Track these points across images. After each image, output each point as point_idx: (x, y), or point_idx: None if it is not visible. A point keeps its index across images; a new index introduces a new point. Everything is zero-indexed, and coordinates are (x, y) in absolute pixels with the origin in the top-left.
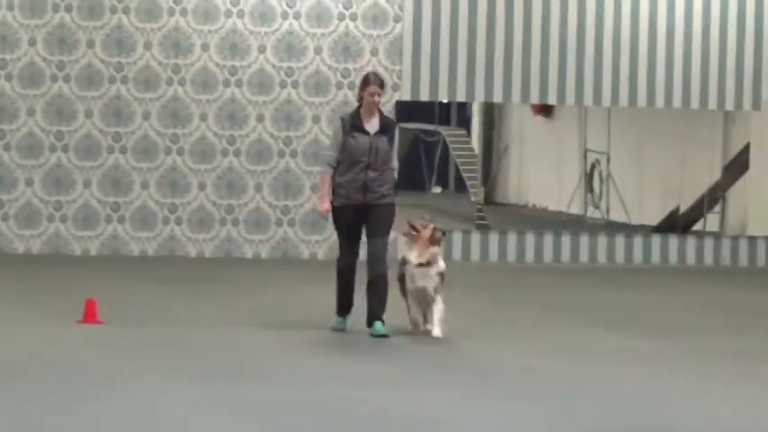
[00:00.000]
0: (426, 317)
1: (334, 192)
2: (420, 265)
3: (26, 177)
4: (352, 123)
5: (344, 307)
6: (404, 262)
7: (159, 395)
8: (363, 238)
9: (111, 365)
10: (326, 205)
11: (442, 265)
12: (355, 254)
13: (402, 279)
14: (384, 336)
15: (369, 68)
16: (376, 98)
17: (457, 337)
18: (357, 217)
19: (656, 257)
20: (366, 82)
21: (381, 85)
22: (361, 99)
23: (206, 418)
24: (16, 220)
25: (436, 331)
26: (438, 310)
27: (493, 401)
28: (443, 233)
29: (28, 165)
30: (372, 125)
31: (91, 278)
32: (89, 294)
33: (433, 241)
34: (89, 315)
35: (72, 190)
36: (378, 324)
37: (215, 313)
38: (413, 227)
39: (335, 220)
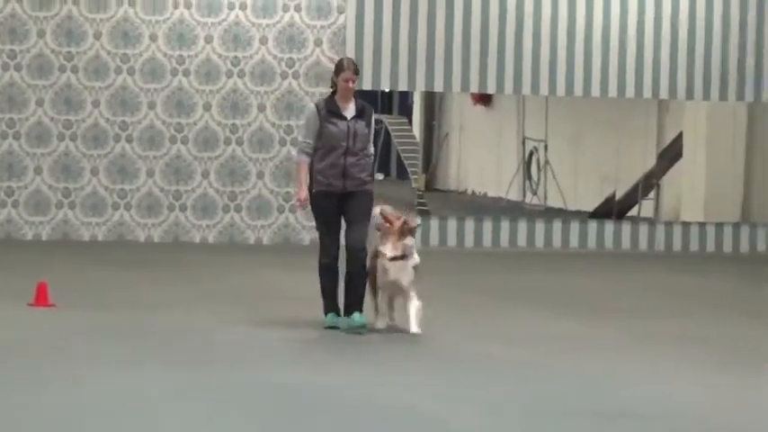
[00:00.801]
0: (395, 308)
1: (312, 179)
2: (394, 258)
3: (35, 165)
4: (329, 109)
5: (332, 306)
6: (376, 255)
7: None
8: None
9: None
10: (305, 194)
11: (416, 258)
12: (337, 248)
13: (374, 272)
14: (362, 326)
15: (313, 58)
16: (351, 84)
17: (405, 322)
18: (337, 204)
19: (592, 243)
20: (340, 68)
21: (355, 71)
22: (335, 85)
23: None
24: (26, 206)
25: (414, 328)
26: (413, 305)
27: (449, 387)
28: (416, 227)
29: (37, 153)
30: (349, 110)
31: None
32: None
33: (405, 233)
34: (41, 298)
35: (80, 177)
36: (356, 315)
37: (180, 297)
38: (386, 219)
39: (315, 209)
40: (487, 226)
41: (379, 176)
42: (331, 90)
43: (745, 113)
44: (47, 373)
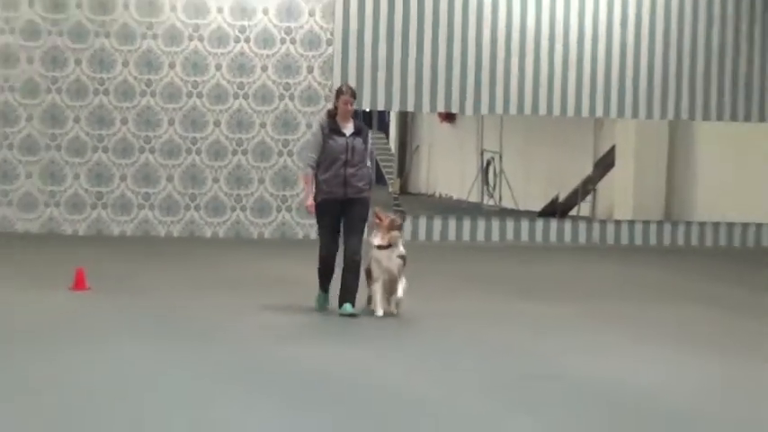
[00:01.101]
0: (390, 299)
1: (317, 188)
2: (380, 247)
3: (74, 173)
4: (331, 127)
5: (325, 284)
6: (372, 247)
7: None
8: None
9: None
10: (311, 201)
11: (401, 249)
12: (336, 245)
13: (369, 264)
14: (352, 315)
15: (306, 83)
16: (349, 106)
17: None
18: (339, 210)
19: (539, 238)
20: (340, 92)
21: (353, 94)
22: (335, 108)
23: (177, 375)
24: (66, 207)
25: (399, 292)
26: (402, 284)
27: (416, 357)
28: (403, 220)
29: (75, 162)
30: (348, 128)
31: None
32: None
33: (392, 227)
34: (79, 283)
35: (111, 182)
36: (347, 305)
37: (193, 282)
38: (378, 216)
39: (319, 214)
40: (452, 223)
41: None
42: (332, 111)
43: (667, 129)
44: (83, 345)
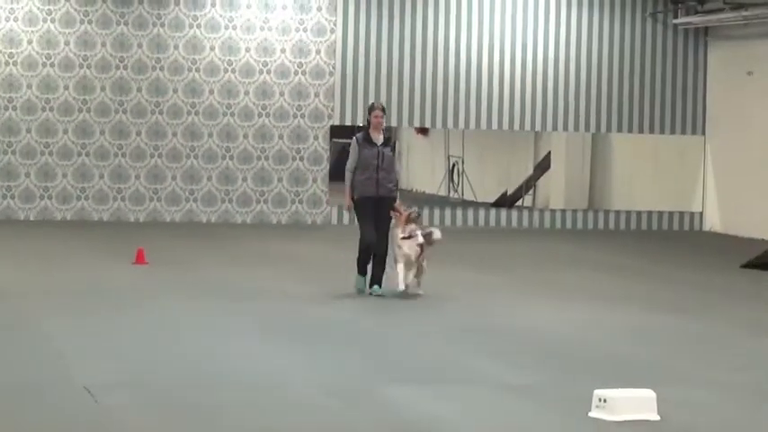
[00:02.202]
0: (413, 278)
1: (355, 189)
2: (403, 238)
3: (135, 174)
4: (364, 138)
5: (364, 269)
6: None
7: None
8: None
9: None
10: (350, 201)
11: (420, 238)
12: (374, 235)
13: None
14: (381, 296)
15: (313, 105)
16: (379, 119)
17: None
18: (372, 205)
19: (493, 223)
20: (372, 108)
21: (383, 110)
22: (368, 122)
23: (219, 330)
24: (130, 200)
25: (408, 278)
26: (423, 266)
27: (392, 315)
28: (418, 215)
29: (137, 165)
30: (378, 139)
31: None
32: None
33: (409, 221)
34: (140, 259)
35: (165, 181)
36: (376, 287)
37: (227, 258)
38: (397, 210)
39: (357, 209)
40: (425, 212)
41: None
42: (366, 125)
43: (590, 140)
44: (139, 306)
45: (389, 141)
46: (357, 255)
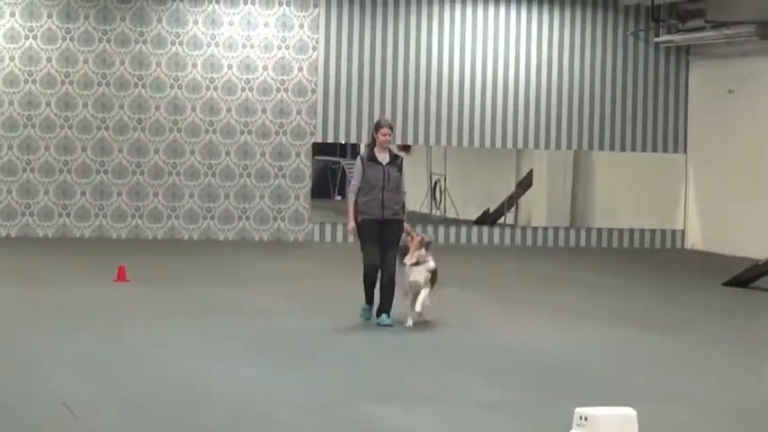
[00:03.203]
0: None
1: (357, 211)
2: (412, 264)
3: (118, 191)
4: (369, 157)
5: (370, 297)
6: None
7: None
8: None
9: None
10: (353, 224)
11: (431, 264)
12: (377, 259)
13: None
14: (388, 326)
15: (296, 122)
16: (387, 137)
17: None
18: (377, 228)
19: (475, 240)
20: (378, 125)
21: (390, 127)
22: (374, 140)
23: (199, 347)
24: (111, 217)
25: (417, 307)
26: (423, 294)
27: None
28: (430, 240)
29: (119, 182)
30: (384, 158)
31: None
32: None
33: (421, 246)
34: (121, 276)
35: (147, 198)
36: (384, 316)
37: (210, 274)
38: (410, 234)
39: (361, 232)
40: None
41: (338, 198)
42: (370, 143)
43: (571, 158)
44: (120, 323)
45: (396, 160)
46: (363, 283)
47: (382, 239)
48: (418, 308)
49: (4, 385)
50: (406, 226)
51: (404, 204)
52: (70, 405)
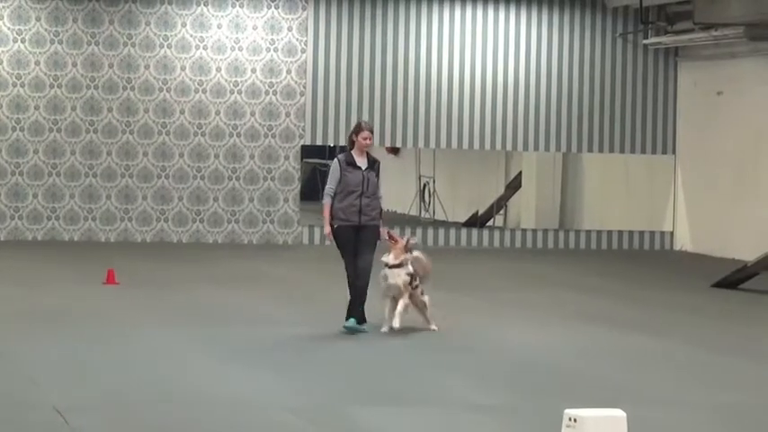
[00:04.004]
0: (400, 312)
1: (333, 216)
2: (393, 266)
3: (107, 194)
4: (347, 161)
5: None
6: (384, 265)
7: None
8: None
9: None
10: (329, 228)
11: (410, 268)
12: (356, 272)
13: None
14: (355, 331)
15: (284, 125)
16: (368, 141)
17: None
18: (353, 235)
19: (463, 242)
20: (359, 128)
21: (371, 130)
22: (352, 143)
23: (192, 353)
24: (101, 221)
25: (396, 323)
26: (401, 305)
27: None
28: (414, 244)
29: (108, 185)
30: (363, 162)
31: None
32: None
33: (407, 250)
34: (110, 279)
35: (136, 201)
36: (353, 320)
37: (199, 277)
38: (393, 238)
39: (337, 239)
40: (397, 231)
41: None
42: (349, 147)
43: (560, 160)
44: (110, 326)
45: (374, 165)
46: (349, 293)
47: (357, 244)
48: (397, 324)
49: None
50: (390, 231)
51: (381, 209)
52: (61, 410)
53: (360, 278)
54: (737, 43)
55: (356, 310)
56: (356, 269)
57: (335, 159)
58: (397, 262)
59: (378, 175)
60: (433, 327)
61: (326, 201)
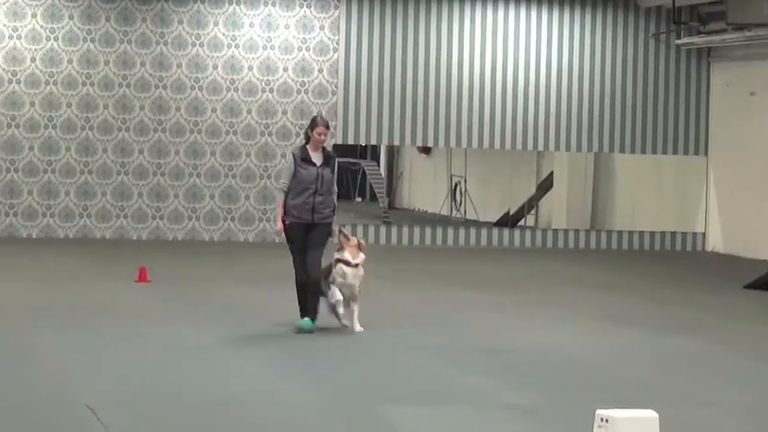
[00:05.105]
0: (349, 312)
1: (286, 212)
2: (350, 264)
3: (138, 191)
4: (302, 157)
5: (307, 310)
6: (336, 261)
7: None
8: None
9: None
10: (281, 224)
11: (362, 270)
12: (306, 266)
13: (327, 275)
14: (309, 331)
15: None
16: (322, 137)
17: (384, 291)
18: (305, 233)
19: (495, 242)
20: (314, 123)
21: (327, 126)
22: (308, 138)
23: (215, 344)
24: (132, 218)
25: (358, 327)
26: (357, 308)
27: (395, 333)
28: (365, 242)
29: (140, 183)
30: (318, 158)
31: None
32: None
33: (361, 248)
34: (142, 277)
35: (167, 199)
36: (306, 320)
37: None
38: (344, 235)
39: (288, 236)
40: (428, 231)
41: (359, 199)
42: (304, 141)
43: (592, 160)
44: (141, 324)
45: (330, 161)
46: (297, 293)
47: (310, 240)
48: (359, 328)
49: (25, 389)
50: (342, 230)
51: (334, 206)
52: (93, 408)
53: (311, 272)
54: None
55: (313, 305)
56: (306, 264)
57: (290, 154)
58: (356, 261)
59: (333, 172)
60: (355, 325)
61: (280, 196)
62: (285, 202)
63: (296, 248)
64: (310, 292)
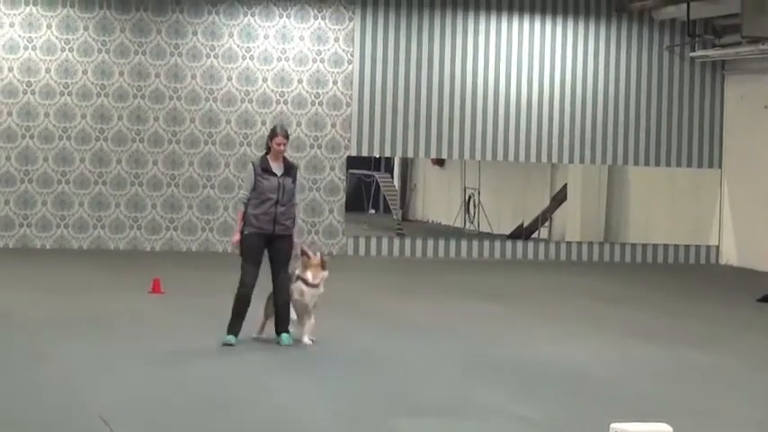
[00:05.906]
0: (301, 326)
1: (246, 222)
2: (310, 284)
3: (152, 203)
4: (262, 167)
5: (237, 325)
6: (296, 278)
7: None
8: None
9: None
10: (238, 237)
11: (322, 288)
12: (254, 280)
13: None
14: (290, 344)
15: (330, 136)
16: (282, 147)
17: (397, 302)
18: (263, 244)
19: (509, 255)
20: (273, 133)
21: (286, 135)
22: (268, 148)
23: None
24: (146, 230)
25: (306, 340)
26: (310, 324)
27: (408, 343)
28: (328, 258)
29: (154, 195)
30: (278, 168)
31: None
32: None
33: (324, 266)
34: (156, 288)
35: (181, 210)
36: (285, 336)
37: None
38: (305, 253)
39: (243, 245)
40: (441, 243)
41: (372, 211)
42: (264, 151)
43: (606, 172)
44: (155, 335)
45: (291, 170)
46: (233, 305)
47: (273, 259)
48: (306, 340)
49: (38, 399)
50: (302, 246)
51: (294, 218)
52: (107, 419)
53: (280, 296)
54: None
55: (284, 326)
56: (275, 288)
57: (250, 164)
58: (316, 282)
59: (294, 182)
60: (313, 338)
61: (240, 208)
62: (245, 212)
63: (250, 258)
64: (281, 312)
